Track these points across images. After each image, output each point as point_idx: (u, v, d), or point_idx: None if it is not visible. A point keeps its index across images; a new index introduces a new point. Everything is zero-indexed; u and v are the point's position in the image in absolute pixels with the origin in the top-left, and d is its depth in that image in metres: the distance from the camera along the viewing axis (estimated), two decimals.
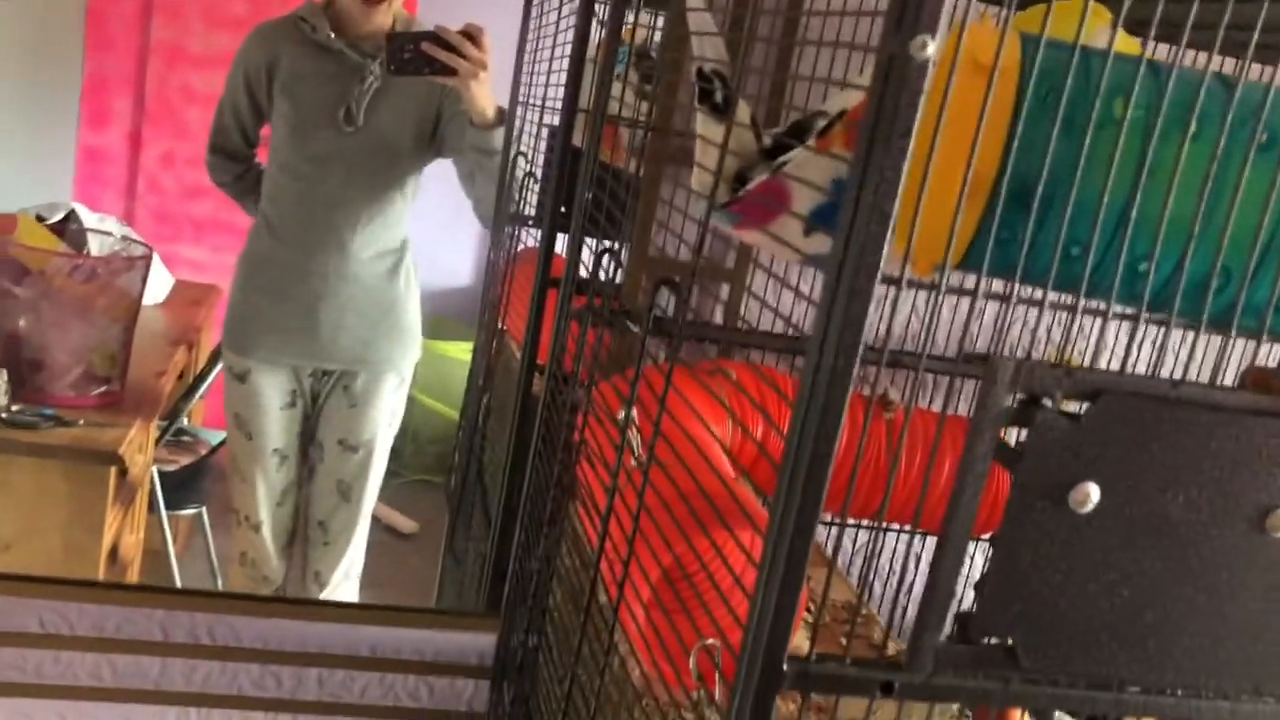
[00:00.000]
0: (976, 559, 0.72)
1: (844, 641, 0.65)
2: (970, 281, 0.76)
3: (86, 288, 2.28)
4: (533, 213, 1.84)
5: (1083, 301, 0.68)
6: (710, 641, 0.71)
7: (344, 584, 2.07)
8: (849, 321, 0.56)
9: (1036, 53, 0.70)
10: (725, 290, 1.36)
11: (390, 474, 2.16)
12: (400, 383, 2.06)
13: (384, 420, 2.06)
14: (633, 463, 0.90)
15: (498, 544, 1.50)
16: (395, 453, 2.14)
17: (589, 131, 1.21)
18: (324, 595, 2.05)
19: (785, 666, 0.61)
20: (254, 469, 2.06)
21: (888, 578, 1.04)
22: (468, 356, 2.69)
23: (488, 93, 1.67)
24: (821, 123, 0.98)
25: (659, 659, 0.81)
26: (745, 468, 1.08)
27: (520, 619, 1.24)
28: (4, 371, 2.11)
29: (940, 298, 0.62)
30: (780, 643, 0.60)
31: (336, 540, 2.08)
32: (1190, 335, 0.66)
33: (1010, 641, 0.61)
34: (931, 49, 0.53)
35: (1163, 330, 0.65)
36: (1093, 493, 0.58)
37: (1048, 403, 0.58)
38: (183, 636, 1.40)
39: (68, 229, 2.68)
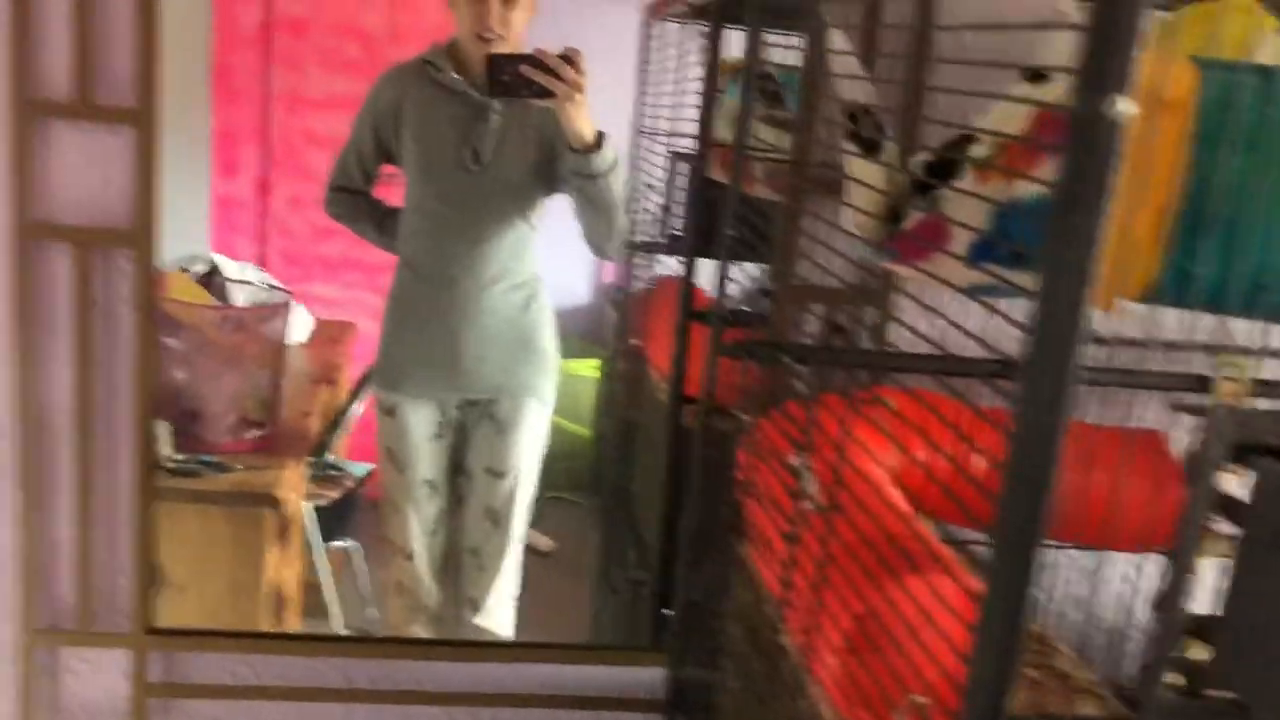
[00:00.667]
0: (1148, 571, 0.70)
1: (1029, 673, 0.64)
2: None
3: (236, 337, 2.38)
4: (660, 240, 1.85)
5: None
6: (920, 699, 0.71)
7: (498, 608, 2.11)
8: (1058, 382, 0.55)
9: (1217, 80, 0.68)
10: (868, 316, 1.35)
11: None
12: (542, 406, 2.10)
13: (529, 445, 2.10)
14: (808, 505, 0.91)
15: (659, 577, 1.51)
16: None
17: (727, 168, 1.22)
18: (479, 621, 2.09)
19: None
20: (406, 500, 2.11)
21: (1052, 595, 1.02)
22: (592, 373, 2.72)
23: (585, 115, 1.68)
24: (974, 152, 0.97)
25: (857, 703, 0.81)
26: (913, 493, 1.08)
27: (691, 655, 1.25)
28: (165, 423, 2.21)
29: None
30: (1000, 699, 0.60)
31: (489, 566, 2.12)
32: None
33: (1242, 696, 0.59)
34: (1126, 108, 0.53)
35: None
36: None
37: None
38: (365, 682, 1.45)
39: (213, 281, 2.80)
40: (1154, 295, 0.76)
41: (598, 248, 1.91)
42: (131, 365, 1.31)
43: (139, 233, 1.27)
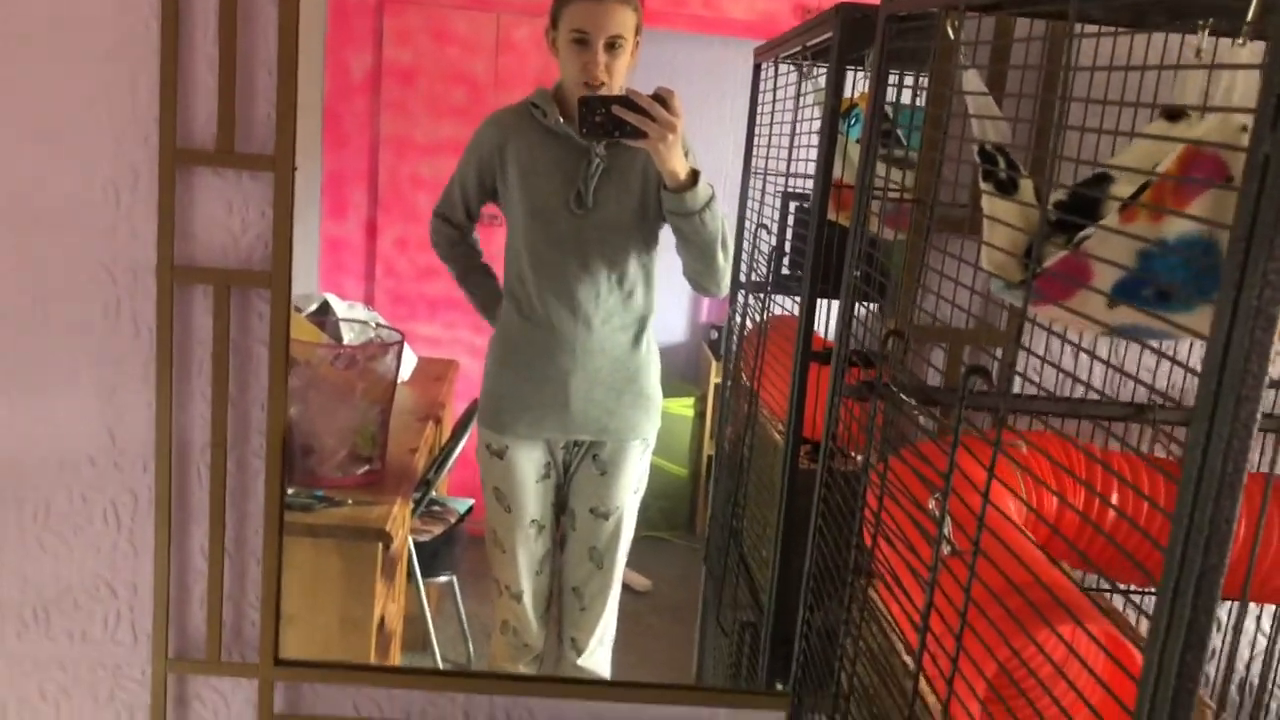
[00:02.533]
0: None
1: None
2: None
3: (347, 374, 2.44)
4: (770, 280, 1.85)
5: None
6: None
7: (599, 650, 2.12)
8: (1237, 431, 0.54)
9: None
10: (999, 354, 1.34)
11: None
12: (645, 448, 2.11)
13: (631, 486, 2.11)
14: (946, 549, 0.89)
15: (774, 620, 1.50)
16: None
17: (854, 206, 1.22)
18: (580, 661, 2.10)
19: None
20: (514, 540, 2.13)
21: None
22: (688, 412, 2.72)
23: (678, 155, 1.69)
24: (1114, 191, 0.96)
25: None
26: (1063, 538, 1.06)
27: (813, 699, 1.23)
28: None
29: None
30: None
31: (591, 606, 2.12)
32: None
33: None
34: None
35: None
36: None
37: None
38: (483, 718, 1.46)
39: (325, 320, 2.88)
40: None
41: (698, 284, 1.92)
42: (265, 402, 1.35)
43: (276, 272, 1.31)
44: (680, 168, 1.71)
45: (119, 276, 1.33)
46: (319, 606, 2.23)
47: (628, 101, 1.62)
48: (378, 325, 2.86)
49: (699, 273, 1.86)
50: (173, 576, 1.40)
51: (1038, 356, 0.89)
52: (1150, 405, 1.01)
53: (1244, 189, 0.54)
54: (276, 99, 1.27)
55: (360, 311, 3.07)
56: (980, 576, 0.83)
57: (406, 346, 3.22)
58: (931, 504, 0.90)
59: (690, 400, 2.99)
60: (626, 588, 3.23)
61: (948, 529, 0.88)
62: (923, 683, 0.93)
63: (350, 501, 2.24)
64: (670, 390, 3.50)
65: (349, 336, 2.79)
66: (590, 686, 1.58)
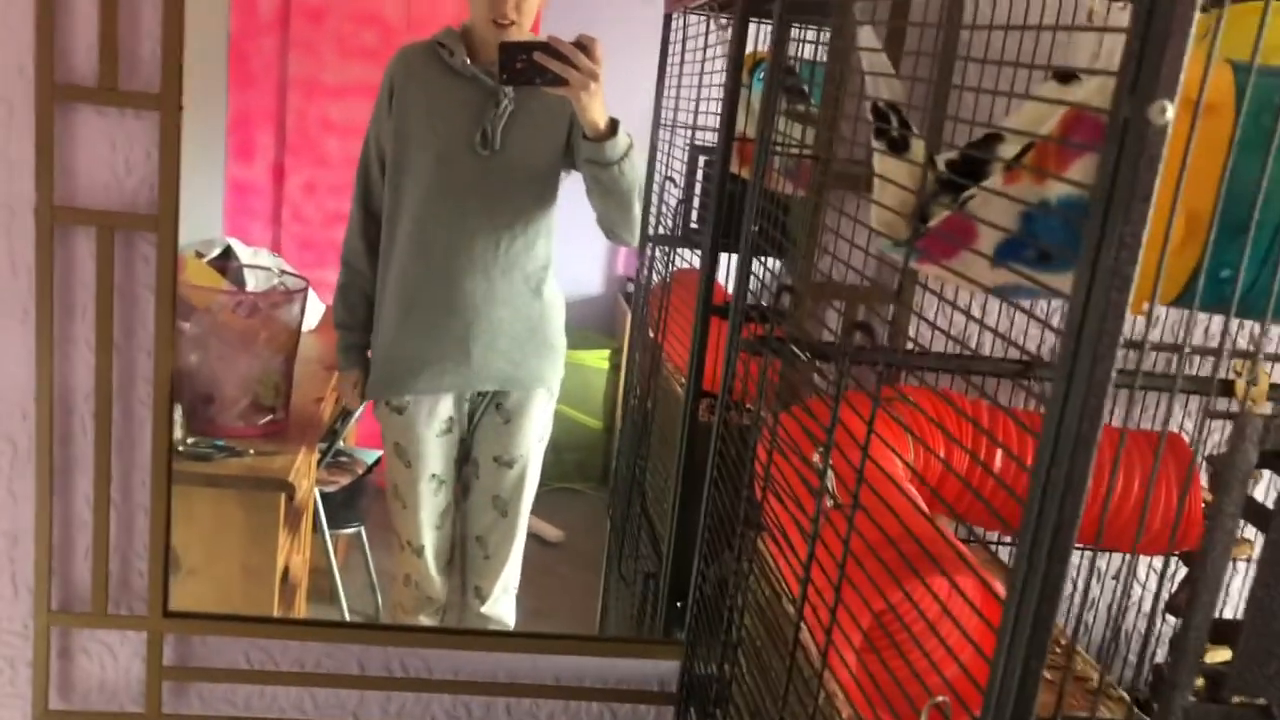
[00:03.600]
0: (1156, 578, 0.70)
1: (1046, 676, 0.64)
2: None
3: (249, 322, 2.39)
4: (678, 233, 1.84)
5: None
6: (941, 699, 0.71)
7: (503, 597, 2.12)
8: (1092, 388, 0.55)
9: (1248, 82, 0.68)
10: (889, 312, 1.35)
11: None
12: (550, 397, 2.10)
13: (535, 434, 2.10)
14: (829, 503, 0.91)
15: (671, 569, 1.51)
16: None
17: (754, 160, 1.22)
18: (484, 609, 2.10)
19: None
20: (415, 495, 2.12)
21: (1072, 598, 1.03)
22: (603, 364, 2.72)
23: (599, 104, 1.68)
24: (1002, 151, 0.97)
25: (875, 702, 0.81)
26: (932, 492, 1.08)
27: (706, 647, 1.25)
28: (179, 406, 2.22)
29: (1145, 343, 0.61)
30: (1027, 705, 0.60)
31: (495, 554, 2.13)
32: None
33: (1264, 701, 0.59)
34: (1170, 113, 0.53)
35: None
36: None
37: None
38: (378, 669, 1.46)
39: (228, 265, 2.81)
40: (1186, 299, 0.76)
41: (612, 233, 1.91)
42: (152, 349, 1.32)
43: (163, 217, 1.27)
44: (601, 117, 1.69)
45: None
46: (220, 558, 2.20)
47: (549, 48, 1.60)
48: (282, 272, 2.80)
49: (615, 222, 1.85)
50: (56, 527, 1.36)
51: (920, 316, 0.91)
52: (1032, 361, 1.04)
53: (1103, 151, 0.55)
54: (162, 34, 1.22)
55: (265, 258, 3.00)
56: (859, 530, 0.85)
57: (313, 294, 3.15)
58: (815, 457, 0.91)
59: (605, 353, 2.98)
60: (538, 538, 3.23)
61: (830, 482, 0.89)
62: (805, 633, 0.95)
63: (252, 451, 2.20)
64: (585, 342, 3.49)
65: (253, 283, 2.72)
66: (487, 637, 1.58)
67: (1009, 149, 0.96)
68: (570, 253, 2.80)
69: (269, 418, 2.35)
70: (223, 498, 2.16)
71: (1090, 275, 0.55)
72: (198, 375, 2.35)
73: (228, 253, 2.97)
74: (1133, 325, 0.60)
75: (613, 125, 1.71)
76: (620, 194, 1.79)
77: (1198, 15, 0.56)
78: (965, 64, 1.04)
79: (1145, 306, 0.76)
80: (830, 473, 0.90)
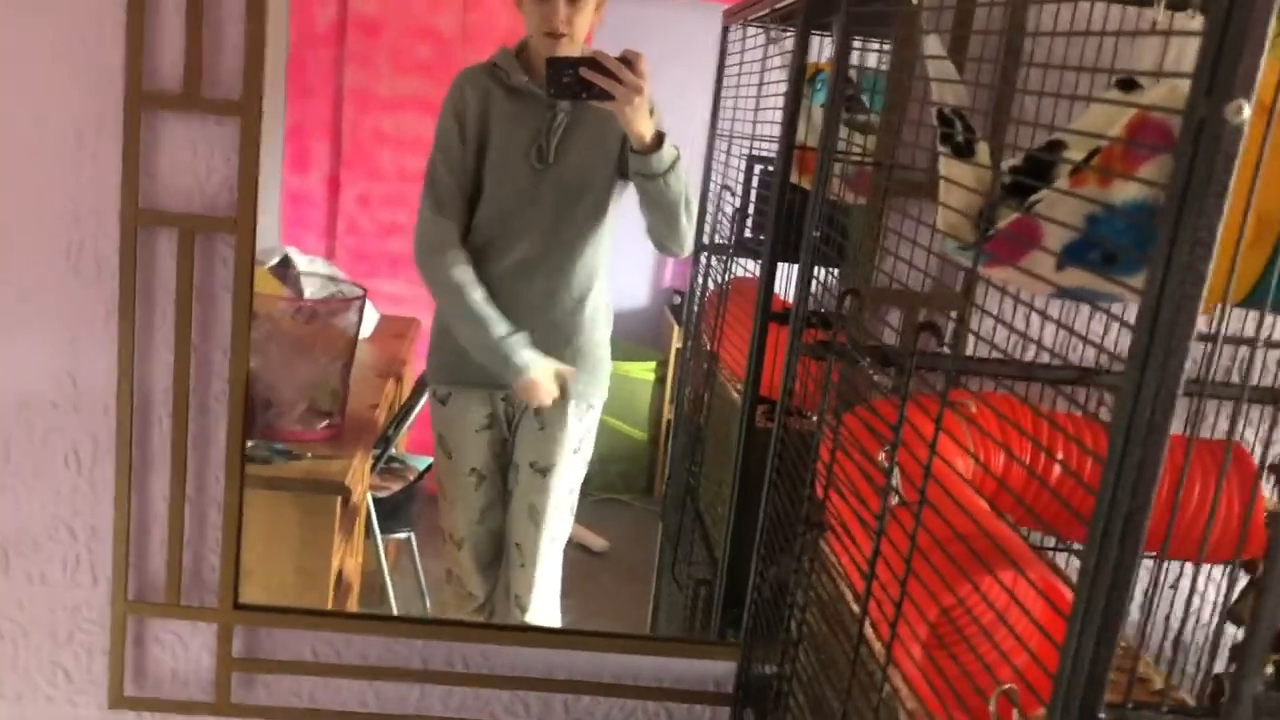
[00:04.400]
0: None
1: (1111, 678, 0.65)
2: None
3: (308, 328, 2.44)
4: (733, 242, 1.87)
5: None
6: (1008, 687, 0.72)
7: (546, 608, 2.15)
8: (1165, 381, 0.57)
9: None
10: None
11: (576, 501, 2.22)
12: (588, 409, 2.13)
13: (570, 445, 2.13)
14: (895, 500, 0.92)
15: (728, 572, 1.53)
16: None
17: (816, 169, 1.24)
18: (527, 619, 2.13)
19: (1102, 715, 0.62)
20: (454, 487, 2.17)
21: (1146, 611, 1.03)
22: (648, 376, 2.74)
23: (644, 117, 1.72)
24: (1068, 154, 0.98)
25: (943, 695, 0.83)
26: (1012, 493, 1.09)
27: (764, 648, 1.27)
28: None
29: (1219, 345, 0.63)
30: (1097, 690, 0.62)
31: (530, 562, 2.15)
32: None
33: None
34: (1247, 112, 0.54)
35: None
36: None
37: None
38: (440, 664, 1.49)
39: (287, 273, 2.87)
40: (1255, 299, 0.77)
41: (662, 245, 1.94)
42: (228, 348, 1.36)
43: (241, 219, 1.32)
44: (646, 130, 1.73)
45: (83, 218, 1.33)
46: (276, 559, 2.24)
47: (595, 63, 1.64)
48: (339, 280, 2.85)
49: (663, 234, 1.88)
50: (133, 520, 1.40)
51: (990, 315, 0.92)
52: (1096, 368, 1.05)
53: (1179, 150, 0.57)
54: (245, 43, 1.27)
55: (321, 266, 3.05)
56: (925, 526, 0.87)
57: (368, 303, 3.21)
58: (881, 456, 0.93)
59: (651, 364, 3.00)
60: (584, 548, 3.26)
61: (896, 480, 0.91)
62: (869, 630, 0.97)
63: (309, 455, 2.24)
64: (631, 354, 3.52)
65: (310, 291, 2.77)
66: (545, 634, 1.61)
67: (1074, 153, 0.97)
68: (617, 264, 2.82)
69: (326, 423, 2.40)
70: (279, 500, 2.21)
71: (1164, 271, 0.57)
72: (258, 380, 2.40)
73: (286, 261, 3.03)
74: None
75: (659, 138, 1.75)
76: (667, 205, 1.82)
77: (1274, 21, 0.58)
78: (1028, 71, 1.06)
79: (1215, 307, 0.78)
80: (896, 470, 0.91)
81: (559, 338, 2.02)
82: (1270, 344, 1.12)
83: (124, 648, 1.42)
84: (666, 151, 1.75)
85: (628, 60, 1.65)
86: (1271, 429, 0.82)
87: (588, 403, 2.11)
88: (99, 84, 1.29)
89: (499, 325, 1.98)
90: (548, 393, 2.02)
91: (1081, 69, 0.96)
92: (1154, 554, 1.12)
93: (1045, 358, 1.16)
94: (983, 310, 1.03)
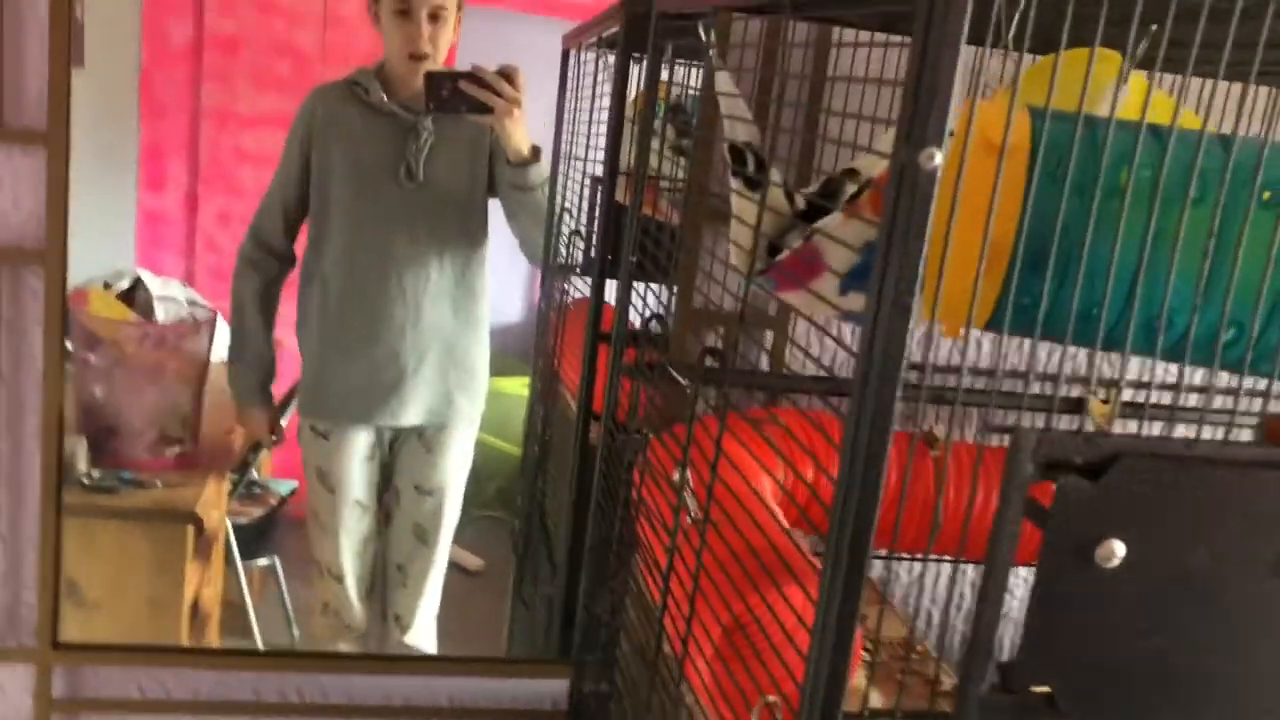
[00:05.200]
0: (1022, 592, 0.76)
1: (899, 679, 0.69)
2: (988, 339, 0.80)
3: (157, 354, 2.38)
4: (578, 263, 1.89)
5: (1099, 355, 0.72)
6: (771, 699, 0.75)
7: (425, 627, 2.13)
8: (880, 408, 0.61)
9: (1044, 128, 0.75)
10: (769, 337, 1.41)
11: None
12: (471, 428, 2.13)
13: (456, 464, 2.13)
14: (689, 520, 0.95)
15: (565, 591, 1.55)
16: None
17: (631, 193, 1.27)
18: (406, 638, 2.11)
19: None
20: (337, 521, 2.13)
21: (946, 607, 1.09)
22: (523, 392, 2.75)
23: (522, 130, 1.74)
24: (850, 186, 1.03)
25: (724, 711, 0.86)
26: (801, 508, 1.13)
27: (590, 667, 1.29)
28: (84, 439, 2.20)
29: (962, 374, 0.67)
30: (835, 701, 0.65)
31: (415, 583, 2.14)
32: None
33: (1051, 690, 0.65)
34: (939, 159, 0.58)
35: (1182, 380, 0.69)
36: (1117, 549, 0.62)
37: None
38: (273, 697, 1.47)
39: (136, 297, 2.79)
40: (996, 324, 0.82)
41: (535, 256, 1.95)
42: (40, 382, 1.33)
43: (50, 252, 1.28)
44: (524, 143, 1.75)
45: None
46: (126, 592, 2.17)
47: (473, 77, 1.66)
48: (191, 303, 2.79)
49: (535, 245, 1.90)
50: None
51: (792, 341, 0.96)
52: (834, 378, 1.10)
53: (886, 193, 0.60)
54: (49, 71, 1.24)
55: (175, 288, 2.98)
56: (715, 543, 0.90)
57: (223, 323, 3.14)
58: (676, 475, 0.96)
59: (525, 380, 3.01)
60: (459, 567, 3.23)
61: (689, 497, 0.94)
62: (669, 647, 1.00)
63: (160, 484, 2.19)
64: (505, 369, 3.51)
65: (163, 315, 2.71)
66: (380, 661, 1.60)
67: (852, 188, 1.02)
68: (488, 281, 2.82)
69: (177, 449, 2.34)
70: (128, 530, 2.15)
71: (876, 304, 0.61)
72: (103, 408, 2.34)
73: (136, 284, 2.95)
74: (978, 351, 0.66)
75: (535, 151, 1.77)
76: (542, 217, 1.84)
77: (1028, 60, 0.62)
78: (832, 91, 1.10)
79: (962, 331, 0.82)
80: (689, 489, 0.94)
81: (450, 360, 2.01)
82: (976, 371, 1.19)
83: None
84: (544, 164, 1.77)
85: (506, 74, 1.67)
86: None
87: (470, 421, 2.11)
88: None
89: (244, 349, 2.10)
90: (262, 436, 2.10)
91: (878, 97, 1.01)
92: (937, 556, 1.17)
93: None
94: (791, 341, 1.07)
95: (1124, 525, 0.62)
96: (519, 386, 3.24)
